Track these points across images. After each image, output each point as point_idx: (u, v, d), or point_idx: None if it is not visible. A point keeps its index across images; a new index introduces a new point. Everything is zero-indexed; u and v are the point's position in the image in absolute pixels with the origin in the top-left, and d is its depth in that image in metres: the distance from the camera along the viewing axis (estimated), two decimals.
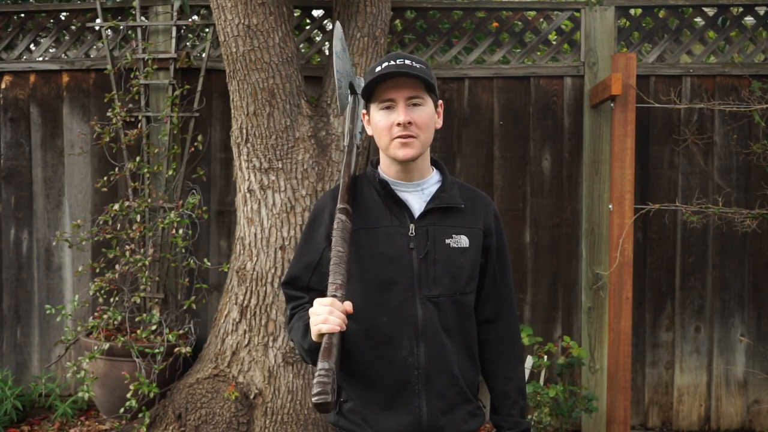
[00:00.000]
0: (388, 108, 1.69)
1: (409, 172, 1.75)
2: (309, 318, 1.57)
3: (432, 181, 1.80)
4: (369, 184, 1.78)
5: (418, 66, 1.69)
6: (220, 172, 4.08)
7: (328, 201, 1.79)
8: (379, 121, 1.71)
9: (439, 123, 1.80)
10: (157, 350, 3.57)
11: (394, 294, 1.69)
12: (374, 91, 1.70)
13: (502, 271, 1.85)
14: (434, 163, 1.85)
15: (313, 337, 1.53)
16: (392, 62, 1.68)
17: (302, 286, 1.81)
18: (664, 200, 3.87)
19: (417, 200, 1.76)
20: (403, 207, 1.73)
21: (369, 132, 1.79)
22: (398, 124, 1.67)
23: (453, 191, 1.78)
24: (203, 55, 4.03)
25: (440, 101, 1.80)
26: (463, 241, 1.73)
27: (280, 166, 3.44)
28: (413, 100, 1.68)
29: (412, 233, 1.71)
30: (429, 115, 1.71)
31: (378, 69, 1.69)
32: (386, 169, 1.78)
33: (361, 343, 1.70)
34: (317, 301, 1.55)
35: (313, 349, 1.56)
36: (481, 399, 1.86)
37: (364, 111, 1.79)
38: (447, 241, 1.72)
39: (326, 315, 1.51)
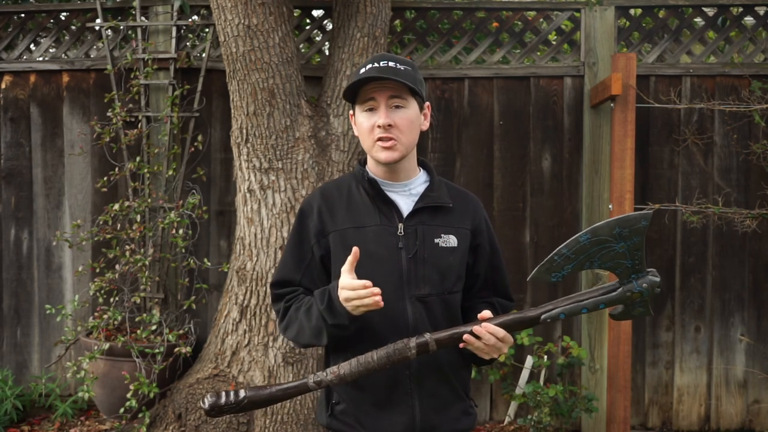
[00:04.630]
0: (370, 110, 1.70)
1: (396, 173, 1.76)
2: (331, 296, 1.63)
3: (419, 181, 1.80)
4: (357, 183, 1.78)
5: (402, 68, 1.69)
6: (220, 172, 4.08)
7: (317, 197, 1.79)
8: (362, 123, 1.72)
9: (425, 125, 1.79)
10: (157, 350, 3.57)
11: (383, 294, 1.68)
12: (358, 92, 1.71)
13: (496, 269, 1.85)
14: (422, 163, 1.85)
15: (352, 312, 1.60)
16: (376, 64, 1.69)
17: (294, 285, 1.80)
18: (664, 200, 3.87)
19: (405, 200, 1.76)
20: (391, 206, 1.74)
21: (356, 132, 1.79)
22: (379, 126, 1.68)
23: (441, 191, 1.78)
24: (203, 55, 4.03)
25: (427, 103, 1.79)
26: (451, 240, 1.74)
27: (280, 166, 3.44)
28: (395, 101, 1.69)
29: (401, 232, 1.71)
30: (411, 117, 1.71)
31: (362, 71, 1.70)
32: (374, 169, 1.78)
33: (352, 343, 1.70)
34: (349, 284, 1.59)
35: (342, 322, 1.63)
36: (473, 398, 1.86)
37: (351, 112, 1.79)
38: (436, 240, 1.72)
39: (366, 303, 1.58)
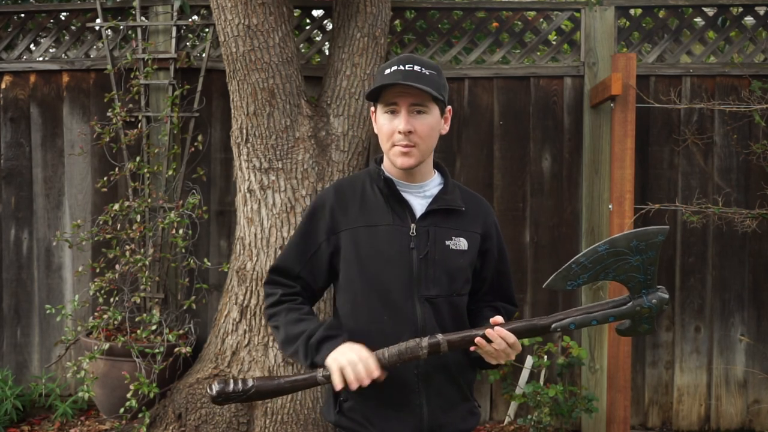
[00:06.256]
0: (392, 112, 1.70)
1: (412, 175, 1.76)
2: (324, 340, 1.66)
3: (434, 183, 1.81)
4: (372, 181, 1.78)
5: (427, 73, 1.68)
6: (220, 172, 4.08)
7: (331, 194, 1.79)
8: (382, 125, 1.72)
9: (445, 129, 1.80)
10: (157, 350, 3.57)
11: (393, 293, 1.70)
12: (381, 91, 1.70)
13: (503, 274, 1.87)
14: (436, 165, 1.85)
15: (335, 381, 1.58)
16: (401, 67, 1.67)
17: (293, 276, 1.80)
18: (664, 200, 3.87)
19: (418, 201, 1.76)
20: (405, 206, 1.74)
21: (375, 130, 1.79)
22: (399, 132, 1.68)
23: (454, 194, 1.79)
24: (203, 55, 4.03)
25: (449, 107, 1.79)
26: (462, 243, 1.74)
27: (280, 166, 3.44)
28: (417, 107, 1.68)
29: (413, 233, 1.72)
30: (432, 123, 1.71)
31: (387, 71, 1.69)
32: (390, 169, 1.78)
33: (360, 342, 1.70)
34: (355, 350, 1.61)
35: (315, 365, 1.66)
36: (477, 399, 1.87)
37: (373, 109, 1.78)
38: (447, 242, 1.73)
39: (355, 374, 1.57)
